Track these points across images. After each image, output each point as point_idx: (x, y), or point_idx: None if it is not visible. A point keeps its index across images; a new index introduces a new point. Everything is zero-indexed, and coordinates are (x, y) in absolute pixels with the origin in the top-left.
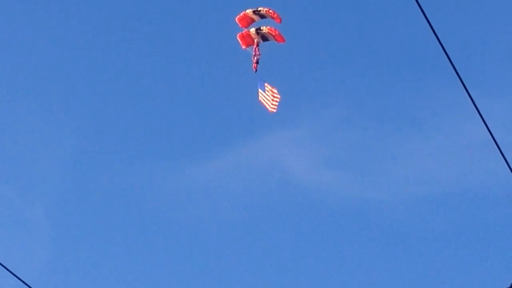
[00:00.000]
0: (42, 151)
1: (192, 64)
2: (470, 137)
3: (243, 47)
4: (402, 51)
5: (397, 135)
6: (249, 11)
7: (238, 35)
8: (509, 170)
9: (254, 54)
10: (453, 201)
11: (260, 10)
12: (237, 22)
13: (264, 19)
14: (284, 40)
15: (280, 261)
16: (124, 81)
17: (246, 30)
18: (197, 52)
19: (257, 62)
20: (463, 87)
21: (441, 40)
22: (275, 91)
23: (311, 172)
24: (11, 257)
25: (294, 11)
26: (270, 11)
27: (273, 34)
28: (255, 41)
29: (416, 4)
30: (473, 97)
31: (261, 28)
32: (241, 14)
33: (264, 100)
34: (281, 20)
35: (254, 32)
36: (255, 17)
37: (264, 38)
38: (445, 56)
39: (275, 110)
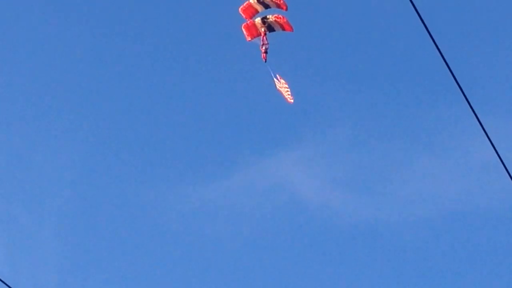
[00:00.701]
0: (50, 172)
1: (199, 84)
2: (478, 158)
3: (248, 38)
4: (410, 72)
5: (405, 155)
6: (253, 0)
7: (243, 25)
8: None
9: (262, 43)
10: (462, 222)
11: None
12: (241, 13)
13: (269, 9)
14: (292, 29)
15: (288, 281)
16: (132, 102)
17: (251, 20)
18: (204, 71)
19: (266, 52)
20: (470, 108)
21: (448, 61)
22: (285, 81)
23: (319, 193)
24: (18, 277)
25: (301, 36)
26: None
27: (281, 22)
28: (262, 30)
29: (424, 27)
30: (480, 117)
31: (267, 16)
32: (245, 4)
33: (281, 88)
34: (287, 7)
35: (260, 22)
36: (259, 7)
37: (271, 28)
38: (452, 76)
39: (292, 101)
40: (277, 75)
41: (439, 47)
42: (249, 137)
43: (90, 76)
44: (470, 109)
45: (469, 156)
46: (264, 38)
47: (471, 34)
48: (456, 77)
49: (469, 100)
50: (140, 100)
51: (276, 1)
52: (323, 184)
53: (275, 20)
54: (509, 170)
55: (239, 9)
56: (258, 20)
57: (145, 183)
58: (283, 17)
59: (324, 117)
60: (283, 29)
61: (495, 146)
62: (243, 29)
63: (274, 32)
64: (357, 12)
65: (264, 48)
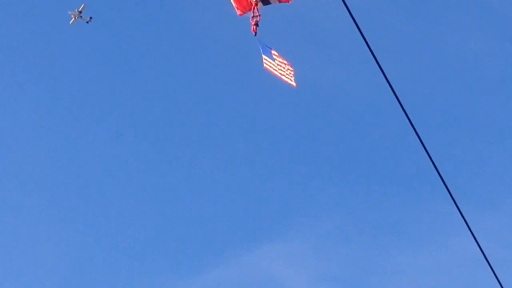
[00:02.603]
0: (41, 265)
1: (186, 177)
2: (462, 252)
3: (238, 12)
4: (395, 168)
5: (391, 249)
6: None
7: None
8: (499, 286)
9: (252, 15)
10: None
11: None
12: None
13: None
14: (290, 0)
15: None
16: (121, 193)
17: None
18: (193, 155)
19: (256, 24)
20: (454, 203)
21: (432, 157)
22: (286, 62)
23: (307, 287)
24: None
25: (292, 134)
26: None
27: None
28: (253, 0)
29: (409, 124)
30: (464, 213)
31: None
32: None
33: (275, 70)
34: None
35: None
36: None
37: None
38: (436, 172)
39: (295, 84)
40: (272, 51)
41: (424, 143)
42: (236, 230)
43: (87, 161)
44: (454, 205)
45: (453, 251)
46: (256, 9)
47: (455, 131)
48: (440, 173)
49: (453, 195)
50: (129, 193)
51: None
52: (310, 278)
53: None
54: (492, 265)
55: None
56: None
57: (129, 278)
58: None
59: (311, 211)
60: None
61: (479, 241)
62: (232, 1)
63: (270, 6)
64: (347, 112)
65: (254, 20)
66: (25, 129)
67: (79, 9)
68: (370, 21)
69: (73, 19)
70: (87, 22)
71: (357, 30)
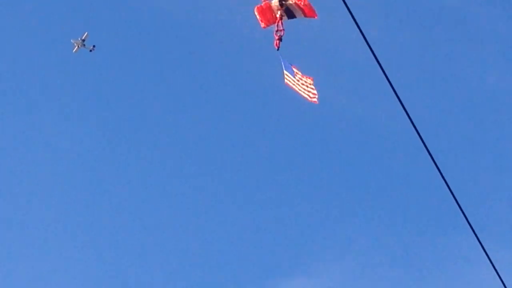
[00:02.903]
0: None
1: (203, 211)
2: (483, 286)
3: (262, 24)
4: (414, 202)
5: (415, 284)
6: None
7: (256, 8)
8: None
9: (276, 29)
10: None
11: None
12: None
13: None
14: (316, 15)
15: None
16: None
17: (266, 1)
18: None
19: (280, 39)
20: (474, 236)
21: (452, 189)
22: (308, 80)
23: None
24: None
25: (307, 171)
26: None
27: (302, 5)
28: (278, 13)
29: (429, 156)
30: (485, 245)
31: None
32: None
33: (296, 86)
34: None
35: (277, 4)
36: None
37: (290, 13)
38: (456, 205)
39: (317, 101)
40: (293, 67)
41: (443, 175)
42: (260, 265)
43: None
44: (474, 237)
45: (475, 285)
46: (280, 23)
47: (474, 161)
48: (461, 205)
49: (474, 228)
50: (151, 228)
51: None
52: None
53: (295, 3)
54: None
55: None
56: (275, 1)
57: None
58: (304, 0)
59: (335, 247)
60: (305, 14)
61: (501, 274)
62: (257, 13)
63: (295, 19)
64: (366, 144)
65: (278, 35)
66: (29, 152)
67: (82, 38)
68: (389, 52)
69: (76, 47)
70: (90, 51)
71: (375, 61)
